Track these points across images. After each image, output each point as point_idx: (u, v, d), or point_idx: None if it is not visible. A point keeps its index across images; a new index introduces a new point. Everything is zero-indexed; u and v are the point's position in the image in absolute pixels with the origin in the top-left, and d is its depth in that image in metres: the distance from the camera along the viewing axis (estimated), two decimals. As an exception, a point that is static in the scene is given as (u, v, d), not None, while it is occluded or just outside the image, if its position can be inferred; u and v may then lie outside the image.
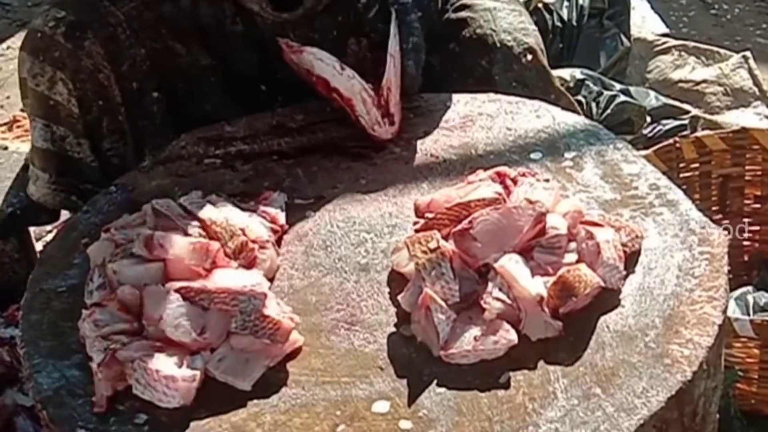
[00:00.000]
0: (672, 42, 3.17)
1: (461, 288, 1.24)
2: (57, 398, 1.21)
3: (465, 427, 1.13)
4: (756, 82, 3.02)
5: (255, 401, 1.19)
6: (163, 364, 1.19)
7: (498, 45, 1.80)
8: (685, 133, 2.49)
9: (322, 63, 1.55)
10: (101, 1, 1.73)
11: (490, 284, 1.24)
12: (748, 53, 3.10)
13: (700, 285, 1.28)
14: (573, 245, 1.30)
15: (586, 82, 2.54)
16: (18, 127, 2.97)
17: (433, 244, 1.25)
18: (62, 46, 1.69)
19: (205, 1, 1.74)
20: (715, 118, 2.83)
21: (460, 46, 1.83)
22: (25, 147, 2.73)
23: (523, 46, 1.80)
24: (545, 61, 1.84)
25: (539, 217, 1.27)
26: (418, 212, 1.38)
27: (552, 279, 1.25)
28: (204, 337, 1.22)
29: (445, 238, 1.28)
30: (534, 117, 1.61)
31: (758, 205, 2.37)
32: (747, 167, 2.35)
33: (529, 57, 1.80)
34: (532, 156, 1.53)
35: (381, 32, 1.62)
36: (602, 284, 1.25)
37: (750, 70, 3.05)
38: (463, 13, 1.85)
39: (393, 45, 1.56)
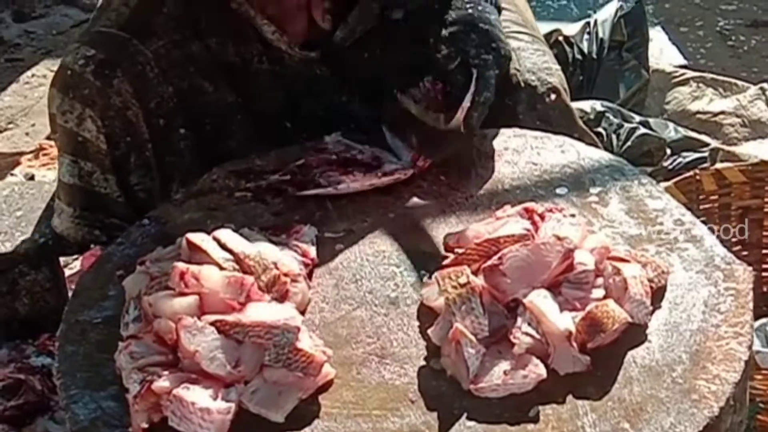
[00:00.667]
0: (690, 74, 3.21)
1: (490, 323, 1.27)
2: (93, 429, 1.24)
3: (495, 461, 1.16)
4: (774, 114, 3.05)
5: (288, 433, 1.22)
6: (199, 396, 1.21)
7: (522, 85, 1.83)
8: (704, 165, 2.52)
9: None
10: (130, 40, 1.77)
11: (519, 319, 1.26)
12: (765, 85, 3.13)
13: (725, 321, 1.30)
14: (600, 281, 1.32)
15: (606, 114, 2.56)
16: (44, 155, 3.00)
17: (463, 279, 1.27)
18: (92, 83, 1.73)
19: (233, 40, 1.77)
20: (733, 149, 2.86)
21: None
22: (51, 175, 2.76)
23: (547, 86, 1.84)
24: (568, 101, 1.88)
25: (567, 254, 1.30)
26: (448, 247, 1.40)
27: (580, 314, 1.27)
28: (238, 370, 1.24)
29: (475, 273, 1.30)
30: (559, 152, 1.64)
31: (778, 237, 2.39)
32: (766, 199, 2.38)
33: (553, 96, 1.84)
34: (558, 191, 1.56)
35: (458, 84, 1.64)
36: (629, 320, 1.28)
37: (768, 102, 3.08)
38: None
39: (467, 99, 1.59)
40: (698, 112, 3.06)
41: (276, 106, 1.80)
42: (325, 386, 1.27)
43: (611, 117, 2.54)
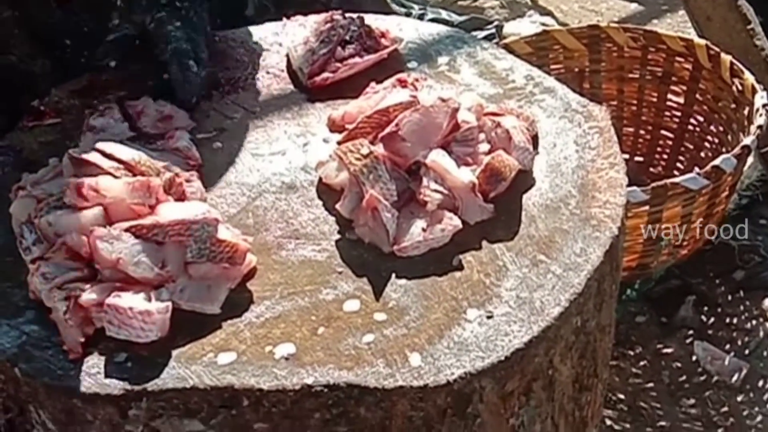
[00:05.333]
0: (444, -38, 3.34)
1: (396, 187, 1.32)
2: (25, 354, 1.20)
3: (436, 310, 1.22)
4: (527, -7, 3.25)
5: (229, 322, 1.22)
6: (133, 301, 1.20)
7: None
8: (495, 41, 2.65)
9: None
10: None
11: (424, 179, 1.32)
12: (515, -33, 3.31)
13: (599, 155, 1.42)
14: (482, 136, 1.40)
15: (392, 4, 2.64)
16: None
17: (365, 150, 1.32)
18: None
19: None
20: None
21: None
22: None
23: None
24: None
25: (453, 113, 1.37)
26: (334, 125, 1.44)
27: (476, 167, 1.35)
28: (166, 270, 1.23)
29: (372, 143, 1.34)
30: (398, 31, 1.69)
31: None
32: (552, 67, 2.55)
33: None
34: (409, 65, 1.62)
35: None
36: (520, 167, 1.37)
37: (519, -17, 3.27)
38: None
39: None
40: (459, -1, 3.22)
41: (54, 23, 1.74)
42: (250, 274, 1.28)
43: (396, 6, 2.62)
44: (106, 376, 1.17)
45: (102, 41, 1.71)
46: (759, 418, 2.15)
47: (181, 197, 1.35)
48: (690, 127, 2.57)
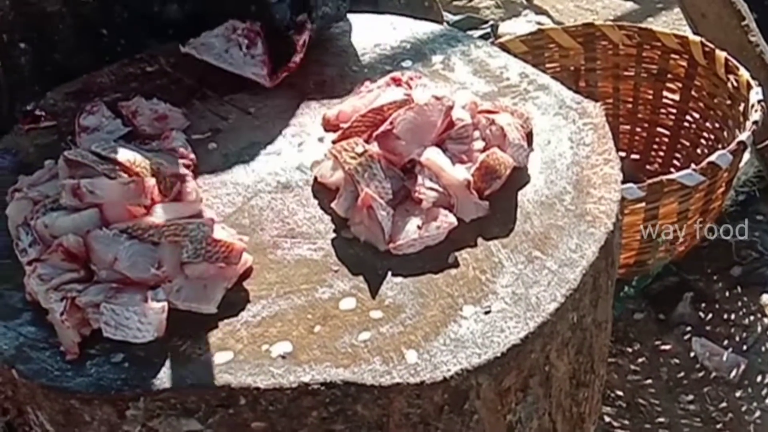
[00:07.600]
0: (439, -36, 3.35)
1: (391, 186, 1.32)
2: (22, 355, 1.20)
3: (432, 307, 1.22)
4: (523, -8, 3.25)
5: (225, 321, 1.22)
6: (130, 302, 1.20)
7: None
8: (490, 40, 2.65)
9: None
10: None
11: (419, 177, 1.32)
12: (511, -32, 3.31)
13: (593, 151, 1.42)
14: (477, 133, 1.40)
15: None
16: None
17: (359, 149, 1.32)
18: None
19: None
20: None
21: None
22: None
23: None
24: None
25: (448, 111, 1.37)
26: (329, 125, 1.44)
27: (471, 165, 1.35)
28: (162, 271, 1.23)
29: (366, 142, 1.35)
30: (392, 30, 1.70)
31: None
32: (547, 65, 2.55)
33: None
34: (404, 65, 1.62)
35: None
36: (515, 164, 1.37)
37: (515, -18, 3.27)
38: None
39: (295, 58, 1.61)
40: (454, -1, 3.22)
41: (91, 13, 1.75)
42: (246, 273, 1.28)
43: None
44: (104, 376, 1.17)
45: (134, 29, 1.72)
46: (757, 413, 2.15)
47: (176, 198, 1.35)
48: (686, 124, 2.57)
